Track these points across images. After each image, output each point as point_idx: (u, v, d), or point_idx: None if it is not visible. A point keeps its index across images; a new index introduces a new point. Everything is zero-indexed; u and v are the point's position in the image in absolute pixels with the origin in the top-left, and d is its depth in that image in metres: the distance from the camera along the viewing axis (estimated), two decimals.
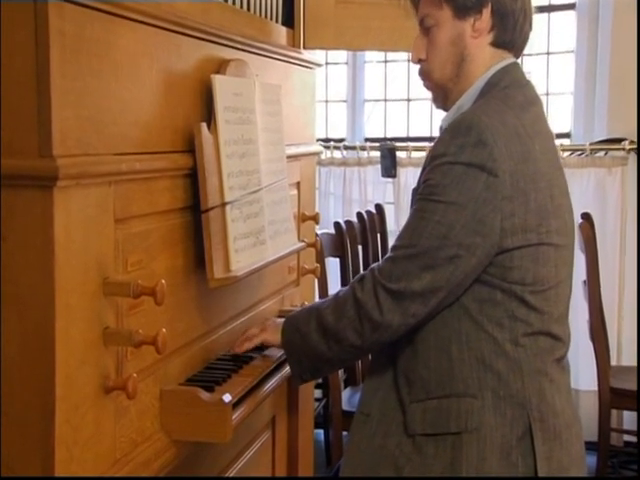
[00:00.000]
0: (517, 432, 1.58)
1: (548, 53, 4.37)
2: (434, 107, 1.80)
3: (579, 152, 4.05)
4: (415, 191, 1.66)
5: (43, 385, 1.19)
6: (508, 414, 1.58)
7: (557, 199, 1.63)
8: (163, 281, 1.34)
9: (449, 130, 1.58)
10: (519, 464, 1.57)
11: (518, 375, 1.59)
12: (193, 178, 1.60)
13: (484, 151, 1.53)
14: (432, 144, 1.63)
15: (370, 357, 1.77)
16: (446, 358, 1.60)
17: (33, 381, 1.19)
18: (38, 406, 1.19)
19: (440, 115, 1.76)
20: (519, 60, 1.74)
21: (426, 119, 4.63)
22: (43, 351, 1.18)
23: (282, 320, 1.77)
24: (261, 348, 1.84)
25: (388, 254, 1.62)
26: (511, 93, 1.64)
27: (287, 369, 1.88)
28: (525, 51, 1.76)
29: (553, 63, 4.36)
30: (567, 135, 4.29)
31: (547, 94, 4.31)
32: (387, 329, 1.58)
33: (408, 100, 4.72)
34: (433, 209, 1.55)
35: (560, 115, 4.33)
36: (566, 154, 4.04)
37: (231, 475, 1.94)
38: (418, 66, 1.73)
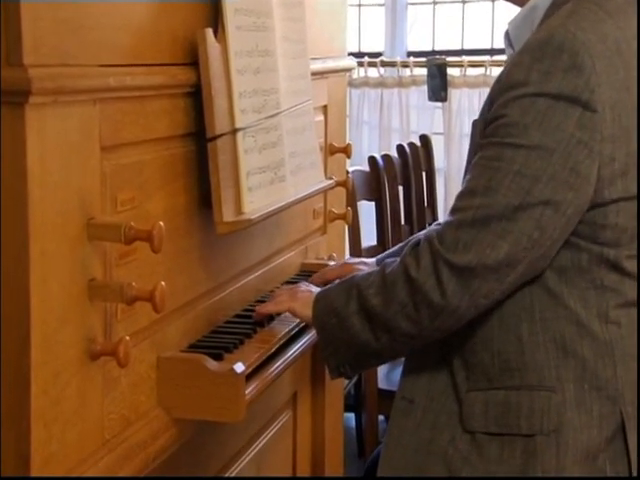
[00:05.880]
0: (606, 433, 1.57)
1: None
2: (497, 8, 1.76)
3: None
4: (477, 125, 1.62)
5: (16, 348, 1.20)
6: (595, 411, 1.56)
7: None
8: (161, 223, 1.34)
9: (529, 50, 1.52)
10: (607, 471, 1.56)
11: (608, 361, 1.57)
12: (197, 98, 1.60)
13: (579, 78, 1.48)
14: (503, 64, 1.58)
15: None
16: (514, 340, 1.58)
17: (4, 343, 1.21)
18: (10, 374, 1.21)
19: (504, 18, 1.73)
20: None
21: (486, 26, 4.56)
22: (16, 307, 1.20)
23: (316, 290, 1.75)
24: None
25: (449, 217, 1.55)
26: None
27: (311, 335, 1.89)
28: None
29: None
30: None
31: None
32: (452, 315, 1.53)
33: (463, 2, 4.66)
34: (511, 156, 1.49)
35: None
36: None
37: (246, 460, 1.97)
38: None
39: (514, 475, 1.56)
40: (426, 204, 3.85)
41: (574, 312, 1.56)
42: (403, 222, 3.63)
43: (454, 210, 1.55)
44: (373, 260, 2.03)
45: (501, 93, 1.53)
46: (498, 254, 1.49)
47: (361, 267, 1.97)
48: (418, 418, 1.66)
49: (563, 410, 1.56)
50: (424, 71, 4.42)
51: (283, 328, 1.81)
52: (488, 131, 1.54)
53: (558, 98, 1.48)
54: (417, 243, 1.57)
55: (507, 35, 1.69)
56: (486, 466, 1.58)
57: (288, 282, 2.06)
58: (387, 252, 2.06)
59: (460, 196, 1.55)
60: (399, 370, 1.74)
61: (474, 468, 1.59)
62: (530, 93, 1.49)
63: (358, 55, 4.55)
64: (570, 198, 1.49)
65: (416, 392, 1.68)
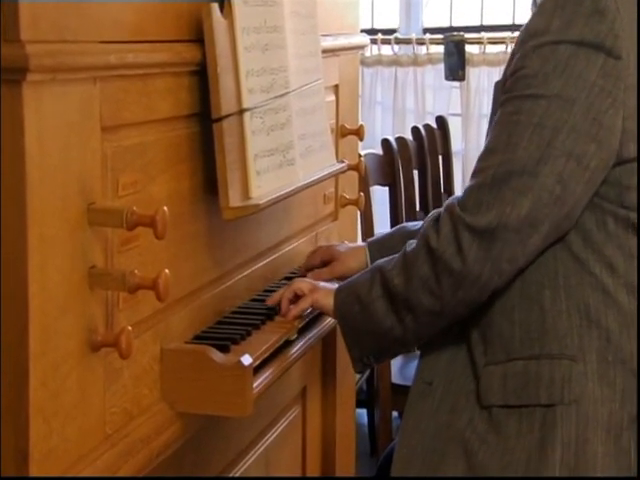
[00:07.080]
0: (630, 409, 1.58)
1: None
2: None
3: None
4: (499, 85, 1.62)
5: (14, 338, 1.21)
6: (618, 384, 1.58)
7: None
8: (165, 208, 1.35)
9: None
10: (631, 451, 1.57)
11: (634, 334, 1.58)
12: (202, 76, 1.60)
13: (602, 24, 1.49)
14: (524, 24, 1.58)
15: None
16: (537, 308, 1.59)
17: (2, 333, 1.21)
18: (8, 365, 1.22)
19: None
20: None
21: (507, 1, 4.55)
22: (13, 295, 1.21)
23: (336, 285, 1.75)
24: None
25: (470, 181, 1.57)
26: None
27: (321, 328, 1.90)
28: None
29: None
30: None
31: None
32: (474, 283, 1.54)
33: None
34: (530, 108, 1.50)
35: None
36: None
37: (253, 457, 1.98)
38: None
39: (533, 450, 1.56)
40: (442, 189, 3.85)
41: (599, 280, 1.57)
42: (418, 208, 3.63)
43: (474, 173, 1.57)
44: (359, 244, 2.05)
45: (522, 44, 1.54)
46: (520, 212, 1.50)
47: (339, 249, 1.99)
48: (436, 401, 1.68)
49: (585, 381, 1.57)
50: (441, 49, 4.41)
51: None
52: (508, 86, 1.55)
53: (580, 44, 1.49)
54: (438, 217, 1.59)
55: (534, 3, 1.69)
56: (504, 444, 1.59)
57: (293, 273, 2.06)
58: (378, 237, 2.06)
59: (480, 157, 1.57)
60: (413, 365, 1.76)
61: (491, 448, 1.60)
62: (550, 41, 1.50)
63: (371, 32, 4.54)
64: (593, 150, 1.50)
65: (435, 373, 1.69)
